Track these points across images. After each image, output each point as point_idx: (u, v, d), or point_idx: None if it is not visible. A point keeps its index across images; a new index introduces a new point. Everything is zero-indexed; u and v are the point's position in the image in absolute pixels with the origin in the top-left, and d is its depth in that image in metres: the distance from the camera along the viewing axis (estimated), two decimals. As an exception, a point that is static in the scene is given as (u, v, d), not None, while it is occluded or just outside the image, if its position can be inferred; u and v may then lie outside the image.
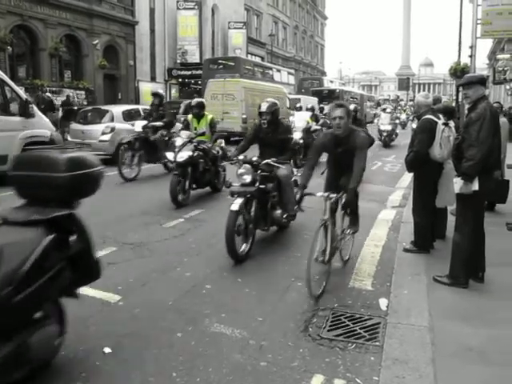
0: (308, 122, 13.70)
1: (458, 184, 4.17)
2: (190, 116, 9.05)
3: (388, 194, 9.37)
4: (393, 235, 6.26)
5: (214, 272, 4.84)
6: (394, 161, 14.88)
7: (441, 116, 5.21)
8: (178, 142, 8.17)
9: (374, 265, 5.16)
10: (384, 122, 19.94)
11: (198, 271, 4.85)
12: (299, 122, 13.72)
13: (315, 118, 14.91)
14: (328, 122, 18.04)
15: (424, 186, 5.22)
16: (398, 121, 25.05)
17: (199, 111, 8.78)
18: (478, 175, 4.04)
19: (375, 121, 27.19)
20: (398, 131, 21.82)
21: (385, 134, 19.55)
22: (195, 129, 8.66)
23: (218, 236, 6.04)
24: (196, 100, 9.09)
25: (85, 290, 4.27)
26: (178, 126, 12.32)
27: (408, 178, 10.37)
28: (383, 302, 4.13)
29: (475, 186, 4.06)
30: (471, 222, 4.25)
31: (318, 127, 13.81)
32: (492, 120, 4.06)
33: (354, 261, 5.24)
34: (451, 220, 5.08)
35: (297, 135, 12.15)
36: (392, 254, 5.41)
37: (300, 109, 15.37)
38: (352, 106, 10.92)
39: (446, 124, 5.03)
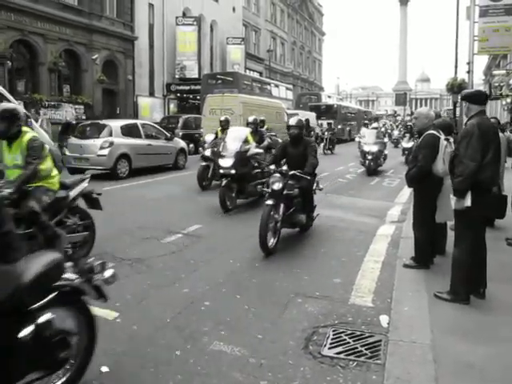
0: (247, 142, 9.30)
1: (453, 200, 4.19)
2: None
3: (387, 209, 9.34)
4: (392, 251, 6.23)
5: (213, 288, 4.79)
6: (393, 175, 14.92)
7: (441, 131, 5.22)
8: None
9: (374, 281, 5.12)
10: (369, 141, 15.45)
11: (196, 287, 4.80)
12: (232, 142, 9.11)
13: (259, 138, 10.35)
14: (279, 140, 11.96)
15: (424, 201, 5.20)
16: (386, 139, 19.70)
17: (7, 128, 4.71)
18: (470, 191, 4.06)
19: (357, 139, 20.81)
20: (386, 152, 16.88)
21: (370, 157, 14.91)
22: None
23: (215, 252, 6.02)
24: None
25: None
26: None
27: (407, 192, 10.40)
28: (384, 319, 4.08)
29: (467, 202, 4.07)
30: (469, 237, 4.23)
31: (260, 150, 9.56)
32: (481, 137, 4.05)
33: (354, 277, 5.20)
34: (451, 235, 5.06)
35: (226, 163, 8.76)
36: (392, 269, 5.37)
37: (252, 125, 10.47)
38: (294, 120, 6.98)
39: (447, 139, 5.05)
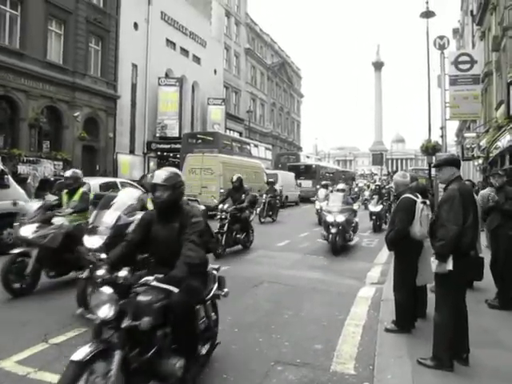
0: (140, 210, 6.10)
1: (434, 263, 4.19)
2: None
3: (367, 270, 9.29)
4: (373, 314, 6.13)
5: (190, 355, 4.58)
6: (371, 235, 14.97)
7: (418, 194, 5.31)
8: None
9: (356, 346, 4.98)
10: (333, 209, 11.67)
11: (173, 354, 4.58)
12: (113, 211, 5.98)
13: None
14: (201, 207, 7.44)
15: (404, 263, 5.20)
16: (356, 205, 14.31)
17: None
18: (452, 255, 4.06)
19: (316, 204, 17.71)
20: (357, 219, 13.13)
21: (334, 230, 11.24)
22: None
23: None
24: None
25: (42, 376, 3.98)
26: None
27: (385, 253, 10.40)
28: (367, 388, 3.94)
29: (449, 266, 4.07)
30: (450, 300, 4.20)
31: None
32: (462, 201, 4.12)
33: (335, 342, 5.07)
34: (431, 297, 5.03)
35: (94, 242, 5.66)
36: (373, 333, 5.26)
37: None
38: (160, 175, 3.70)
39: (424, 202, 5.13)
